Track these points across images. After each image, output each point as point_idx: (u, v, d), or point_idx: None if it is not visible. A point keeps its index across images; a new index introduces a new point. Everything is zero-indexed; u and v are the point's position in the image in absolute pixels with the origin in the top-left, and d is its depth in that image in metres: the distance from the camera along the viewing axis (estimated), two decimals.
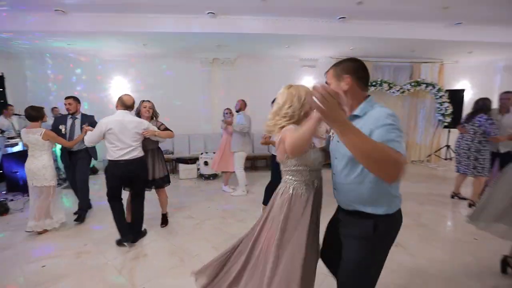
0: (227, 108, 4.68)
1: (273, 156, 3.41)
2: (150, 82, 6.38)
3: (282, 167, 1.47)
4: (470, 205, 3.82)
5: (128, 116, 2.74)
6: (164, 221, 3.29)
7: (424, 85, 6.46)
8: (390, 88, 6.35)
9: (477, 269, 2.35)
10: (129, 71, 6.37)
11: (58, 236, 3.00)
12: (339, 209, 1.37)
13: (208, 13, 4.44)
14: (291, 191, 1.40)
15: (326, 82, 1.25)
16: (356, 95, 1.21)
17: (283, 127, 1.37)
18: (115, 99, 2.90)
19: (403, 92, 6.44)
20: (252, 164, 6.36)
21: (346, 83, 1.19)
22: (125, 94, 2.85)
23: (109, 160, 2.70)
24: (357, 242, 1.21)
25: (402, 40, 5.19)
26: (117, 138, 2.64)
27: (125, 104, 2.75)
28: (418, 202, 4.08)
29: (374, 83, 6.32)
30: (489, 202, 2.10)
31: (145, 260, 2.53)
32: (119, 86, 6.33)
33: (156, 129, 2.93)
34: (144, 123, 2.80)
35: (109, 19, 4.45)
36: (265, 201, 3.34)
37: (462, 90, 6.71)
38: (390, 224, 1.20)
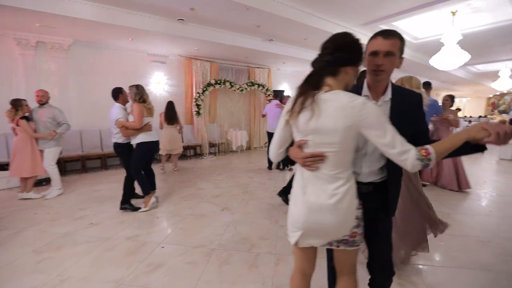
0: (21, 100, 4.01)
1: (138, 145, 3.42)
2: None
3: None
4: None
5: None
6: None
7: (257, 85, 8.10)
8: (232, 86, 7.53)
9: (265, 208, 3.42)
10: None
11: None
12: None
13: None
14: None
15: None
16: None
17: None
18: None
19: (242, 90, 7.80)
20: (83, 165, 5.70)
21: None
22: None
23: None
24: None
25: (235, 47, 6.28)
26: None
27: None
28: (249, 177, 5.24)
29: (218, 82, 7.27)
30: None
31: None
32: None
33: None
34: None
35: None
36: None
37: (283, 91, 8.91)
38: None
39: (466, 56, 5.11)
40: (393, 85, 1.24)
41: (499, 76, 10.03)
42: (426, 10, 4.84)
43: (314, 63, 1.13)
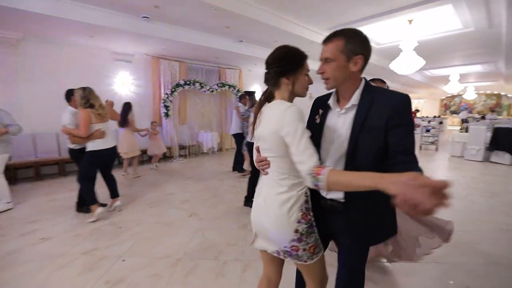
0: None
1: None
2: None
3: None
4: None
5: None
6: None
7: (227, 86, 8.02)
8: (202, 87, 7.37)
9: (234, 212, 3.38)
10: None
11: None
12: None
13: None
14: None
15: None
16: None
17: None
18: None
19: (212, 91, 7.67)
20: (37, 172, 5.18)
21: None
22: None
23: None
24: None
25: (204, 47, 6.14)
26: None
27: None
28: (219, 179, 5.16)
29: (188, 82, 7.08)
30: None
31: None
32: None
33: None
34: None
35: None
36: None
37: (254, 92, 8.95)
38: None
39: (421, 62, 5.52)
40: (368, 89, 1.07)
41: (449, 80, 11.02)
42: (385, 18, 5.13)
43: (264, 80, 1.20)
